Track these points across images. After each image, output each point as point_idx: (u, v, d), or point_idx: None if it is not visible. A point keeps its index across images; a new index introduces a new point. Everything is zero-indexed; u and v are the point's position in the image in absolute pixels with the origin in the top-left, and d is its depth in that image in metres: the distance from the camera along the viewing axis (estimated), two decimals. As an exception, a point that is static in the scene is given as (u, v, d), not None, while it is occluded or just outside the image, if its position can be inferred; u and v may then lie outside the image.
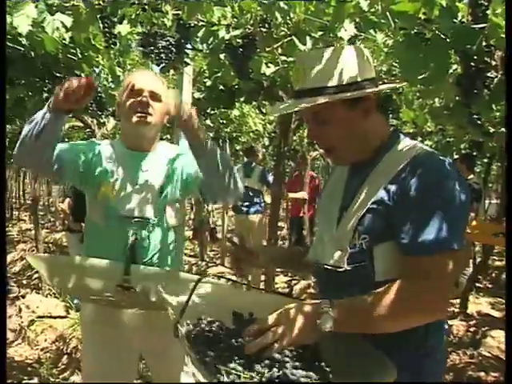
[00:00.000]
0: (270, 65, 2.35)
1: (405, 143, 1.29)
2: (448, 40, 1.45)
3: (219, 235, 8.48)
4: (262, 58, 2.20)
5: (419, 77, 1.39)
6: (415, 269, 1.14)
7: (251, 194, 6.10)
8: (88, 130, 4.92)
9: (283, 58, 2.25)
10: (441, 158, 1.22)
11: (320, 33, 2.11)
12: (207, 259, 8.08)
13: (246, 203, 6.12)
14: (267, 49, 2.20)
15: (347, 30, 1.99)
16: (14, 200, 16.36)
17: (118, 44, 2.71)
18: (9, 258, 7.46)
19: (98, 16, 1.55)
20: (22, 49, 2.50)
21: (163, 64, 2.28)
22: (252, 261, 1.55)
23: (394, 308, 1.12)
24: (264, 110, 5.24)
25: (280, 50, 2.27)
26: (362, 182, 1.28)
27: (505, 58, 1.54)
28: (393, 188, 1.20)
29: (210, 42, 2.29)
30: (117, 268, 1.79)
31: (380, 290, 1.15)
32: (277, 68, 2.20)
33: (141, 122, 1.89)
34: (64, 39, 2.09)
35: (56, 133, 1.75)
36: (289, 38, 2.10)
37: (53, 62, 2.90)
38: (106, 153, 1.96)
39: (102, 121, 4.15)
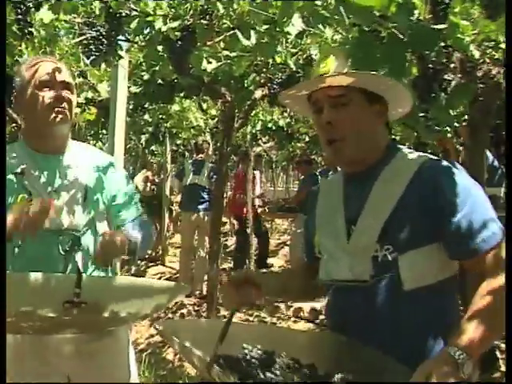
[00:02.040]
0: (211, 60, 2.19)
1: (405, 152, 1.33)
2: (405, 39, 1.34)
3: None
4: (203, 53, 2.02)
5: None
6: (484, 266, 1.18)
7: (200, 191, 5.92)
8: (14, 124, 4.57)
9: (226, 52, 2.09)
10: (449, 162, 1.28)
11: (265, 26, 1.96)
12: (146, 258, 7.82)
13: (195, 200, 5.94)
14: (208, 43, 2.03)
15: (295, 24, 1.86)
16: None
17: (42, 32, 2.46)
18: None
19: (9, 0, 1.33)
20: None
21: (93, 56, 2.06)
22: (256, 295, 1.40)
23: (501, 308, 1.11)
24: (205, 107, 5.05)
25: (222, 45, 2.11)
26: (367, 192, 1.29)
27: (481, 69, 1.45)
28: (415, 197, 1.22)
29: (145, 34, 2.10)
30: (65, 281, 1.55)
31: (480, 301, 1.15)
32: (219, 64, 2.03)
33: (61, 120, 1.67)
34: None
35: None
36: (231, 32, 1.94)
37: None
38: (17, 158, 1.71)
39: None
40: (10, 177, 1.65)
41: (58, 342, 1.74)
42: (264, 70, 2.71)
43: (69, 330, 1.72)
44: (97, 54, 2.05)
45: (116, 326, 1.80)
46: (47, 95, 1.64)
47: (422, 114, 1.49)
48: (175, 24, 1.67)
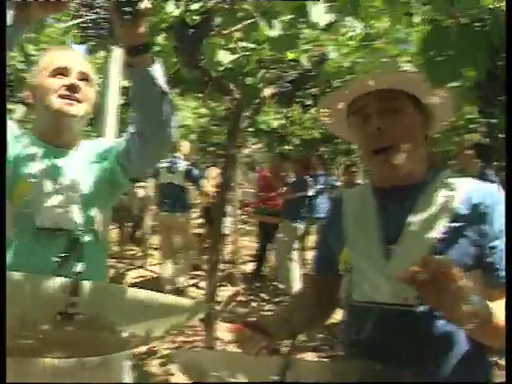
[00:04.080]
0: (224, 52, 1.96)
1: (448, 174, 1.31)
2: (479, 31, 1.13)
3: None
4: (218, 43, 1.80)
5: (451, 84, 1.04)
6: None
7: (175, 190, 5.67)
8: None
9: (242, 44, 1.87)
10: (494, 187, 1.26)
11: (290, 16, 1.74)
12: (127, 261, 7.55)
13: (170, 200, 5.68)
14: (224, 32, 1.80)
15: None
16: None
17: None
18: None
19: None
20: None
21: (92, 43, 1.82)
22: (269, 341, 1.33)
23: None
24: (194, 105, 4.81)
25: (238, 34, 1.88)
26: (408, 210, 1.24)
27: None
28: (463, 219, 1.20)
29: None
30: (58, 287, 1.34)
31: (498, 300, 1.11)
32: (237, 56, 1.80)
33: (68, 110, 1.53)
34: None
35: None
36: (252, 20, 1.72)
37: None
38: (23, 142, 1.56)
39: (8, 107, 3.56)
40: (22, 155, 1.52)
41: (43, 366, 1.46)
42: (273, 66, 2.50)
43: (62, 351, 1.45)
44: (96, 40, 1.82)
45: (119, 350, 1.55)
46: (59, 82, 1.52)
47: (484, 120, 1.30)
48: (196, 6, 1.44)
